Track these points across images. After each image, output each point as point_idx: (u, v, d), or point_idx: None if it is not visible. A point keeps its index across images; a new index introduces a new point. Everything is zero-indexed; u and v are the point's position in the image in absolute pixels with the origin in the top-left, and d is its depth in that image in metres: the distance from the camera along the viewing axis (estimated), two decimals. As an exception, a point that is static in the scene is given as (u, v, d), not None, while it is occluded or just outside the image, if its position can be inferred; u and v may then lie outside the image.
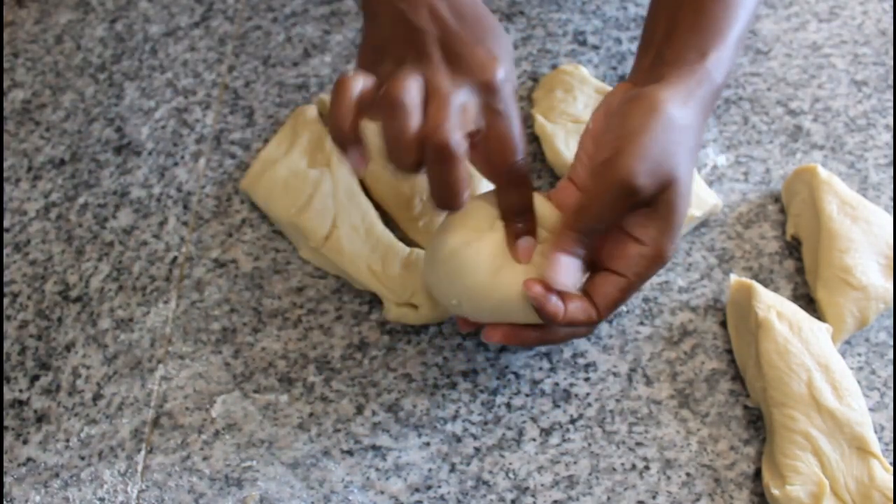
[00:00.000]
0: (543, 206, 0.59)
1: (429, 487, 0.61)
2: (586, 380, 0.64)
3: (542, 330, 0.59)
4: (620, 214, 0.57)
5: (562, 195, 0.60)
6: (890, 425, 0.61)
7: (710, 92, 0.60)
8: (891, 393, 0.63)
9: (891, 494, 0.56)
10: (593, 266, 0.59)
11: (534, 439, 0.62)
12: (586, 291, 0.58)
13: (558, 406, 0.63)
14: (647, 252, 0.57)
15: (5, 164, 0.78)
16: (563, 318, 0.56)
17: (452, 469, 0.61)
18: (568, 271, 0.56)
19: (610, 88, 0.77)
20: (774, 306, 0.62)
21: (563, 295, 0.57)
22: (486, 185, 0.62)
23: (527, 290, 0.56)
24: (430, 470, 0.61)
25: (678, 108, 0.57)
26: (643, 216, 0.57)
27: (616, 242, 0.58)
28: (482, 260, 0.57)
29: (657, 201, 0.56)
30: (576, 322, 0.57)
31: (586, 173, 0.60)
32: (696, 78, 0.59)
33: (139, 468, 0.62)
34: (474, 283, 0.57)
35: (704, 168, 0.74)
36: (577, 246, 0.57)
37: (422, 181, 0.71)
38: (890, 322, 0.66)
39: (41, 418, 0.64)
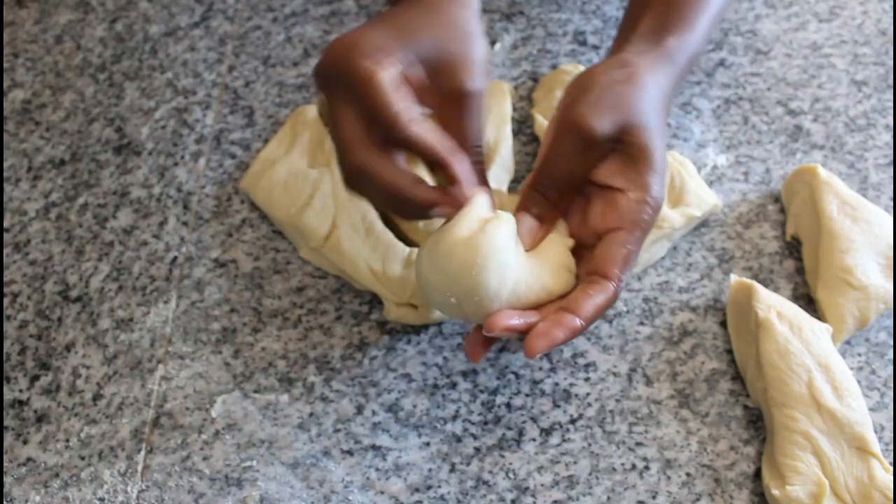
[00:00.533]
0: (509, 201, 0.59)
1: (429, 487, 0.61)
2: (586, 380, 0.64)
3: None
4: (583, 162, 0.57)
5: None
6: (890, 425, 0.61)
7: (673, 72, 0.61)
8: (891, 393, 0.63)
9: (891, 494, 0.56)
10: (586, 240, 0.58)
11: (534, 439, 0.62)
12: (595, 270, 0.57)
13: (558, 406, 0.63)
14: (633, 196, 0.56)
15: (5, 164, 0.78)
16: (585, 324, 0.55)
17: (452, 469, 0.61)
18: (529, 231, 0.57)
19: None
20: (775, 306, 0.62)
21: (573, 300, 0.56)
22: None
23: (530, 352, 0.54)
24: (430, 470, 0.61)
25: (636, 67, 0.59)
26: (618, 164, 0.57)
27: (603, 202, 0.57)
28: (484, 252, 0.54)
29: (626, 144, 0.56)
30: (600, 312, 0.56)
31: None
32: (654, 55, 0.60)
33: (139, 468, 0.62)
34: (476, 275, 0.54)
35: (704, 168, 0.74)
36: (538, 205, 0.57)
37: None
38: (890, 322, 0.66)
39: (41, 418, 0.64)
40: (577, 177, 0.57)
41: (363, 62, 0.53)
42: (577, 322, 0.55)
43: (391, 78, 0.54)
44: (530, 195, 0.58)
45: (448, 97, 0.56)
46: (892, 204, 0.71)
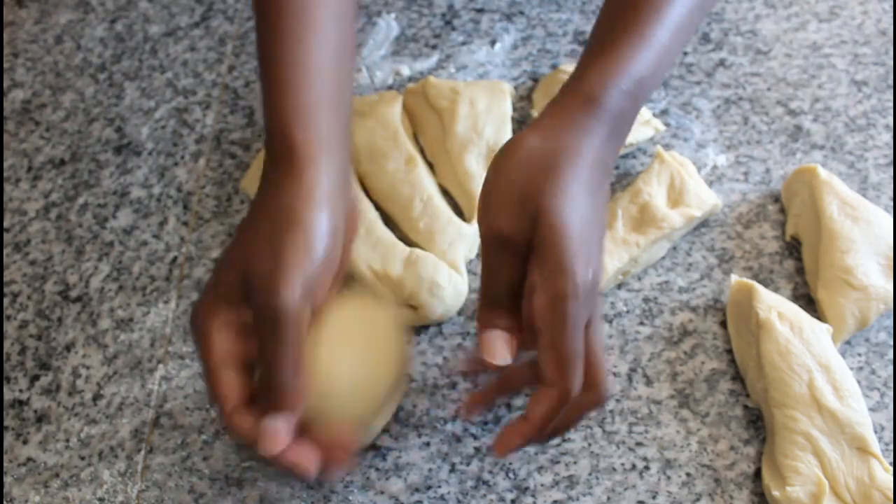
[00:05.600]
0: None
1: (429, 487, 0.61)
2: (586, 380, 0.64)
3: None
4: (514, 264, 0.52)
5: None
6: (890, 425, 0.61)
7: (597, 118, 0.55)
8: (891, 393, 0.63)
9: (891, 494, 0.56)
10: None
11: (534, 439, 0.62)
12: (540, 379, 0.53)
13: (558, 406, 0.63)
14: (542, 296, 0.51)
15: (5, 164, 0.78)
16: (538, 426, 0.52)
17: (452, 469, 0.61)
18: (497, 345, 0.53)
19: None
20: (775, 307, 0.62)
21: (529, 405, 0.53)
22: None
23: (498, 454, 0.53)
24: (430, 470, 0.61)
25: (540, 141, 0.54)
26: (534, 256, 0.52)
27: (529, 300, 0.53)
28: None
29: (537, 240, 0.51)
30: (551, 414, 0.52)
31: None
32: (573, 104, 0.55)
33: (139, 468, 0.62)
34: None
35: (704, 168, 0.74)
36: (498, 317, 0.53)
37: (420, 182, 0.71)
38: (890, 322, 0.66)
39: (41, 418, 0.64)
40: (516, 279, 0.53)
41: (201, 342, 0.52)
42: (528, 426, 0.53)
43: (220, 354, 0.51)
44: (486, 312, 0.54)
45: (257, 319, 0.50)
46: (892, 204, 0.71)
